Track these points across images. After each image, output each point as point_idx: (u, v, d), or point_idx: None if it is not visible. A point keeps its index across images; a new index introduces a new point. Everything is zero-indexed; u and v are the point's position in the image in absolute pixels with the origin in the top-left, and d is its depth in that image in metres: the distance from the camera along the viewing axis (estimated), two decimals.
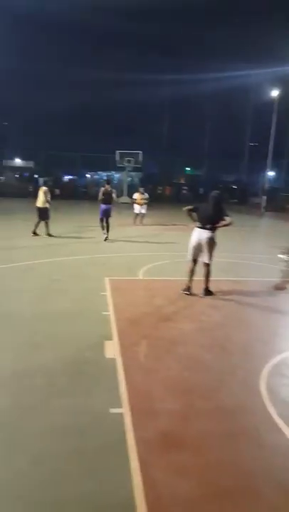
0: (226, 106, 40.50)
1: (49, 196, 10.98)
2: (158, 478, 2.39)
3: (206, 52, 37.51)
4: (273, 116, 29.75)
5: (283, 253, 7.99)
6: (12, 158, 39.86)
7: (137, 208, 14.90)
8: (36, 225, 10.91)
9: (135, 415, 2.97)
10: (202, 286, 6.10)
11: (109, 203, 10.95)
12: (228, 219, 5.89)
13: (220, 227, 5.92)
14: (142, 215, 14.87)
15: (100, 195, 11.05)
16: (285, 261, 8.11)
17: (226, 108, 40.32)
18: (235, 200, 33.85)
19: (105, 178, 38.92)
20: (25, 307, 5.28)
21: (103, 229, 10.99)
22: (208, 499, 2.27)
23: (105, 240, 10.78)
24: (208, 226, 5.87)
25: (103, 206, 10.96)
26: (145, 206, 14.91)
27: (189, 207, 6.16)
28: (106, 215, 10.94)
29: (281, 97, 29.70)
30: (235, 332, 4.80)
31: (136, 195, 15.06)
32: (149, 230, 13.92)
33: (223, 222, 5.89)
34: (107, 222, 10.95)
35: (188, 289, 6.08)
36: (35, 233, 10.89)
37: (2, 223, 14.51)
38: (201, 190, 38.51)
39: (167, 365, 3.82)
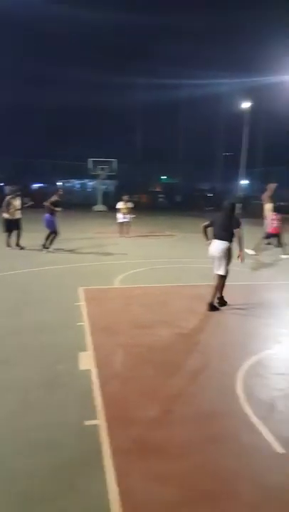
0: (201, 115, 41.37)
1: (19, 206, 10.61)
2: (135, 487, 2.33)
3: (183, 62, 38.19)
4: (244, 127, 30.61)
5: (252, 249, 9.36)
6: None
7: (120, 217, 14.35)
8: (18, 237, 10.57)
9: (111, 426, 2.90)
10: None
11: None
12: (238, 232, 5.60)
13: (238, 244, 5.66)
14: (127, 224, 14.32)
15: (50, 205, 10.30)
16: (253, 255, 9.49)
17: (201, 117, 41.18)
18: (211, 208, 34.39)
19: (78, 186, 38.56)
20: None
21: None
22: (187, 504, 2.24)
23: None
24: (221, 236, 5.62)
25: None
26: (128, 215, 14.35)
27: (206, 223, 5.86)
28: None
29: (252, 108, 30.61)
30: (212, 336, 4.81)
31: (120, 204, 14.39)
32: (126, 238, 13.90)
33: (237, 239, 5.63)
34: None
35: (218, 300, 5.83)
36: (19, 245, 10.56)
37: None
38: (178, 198, 39.02)
39: (144, 372, 3.77)
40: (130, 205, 14.55)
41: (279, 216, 10.28)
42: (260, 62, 32.57)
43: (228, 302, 5.90)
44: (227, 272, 5.67)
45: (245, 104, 30.75)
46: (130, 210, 14.46)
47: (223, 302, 5.88)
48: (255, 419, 3.03)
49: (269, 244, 10.75)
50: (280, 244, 10.33)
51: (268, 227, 10.21)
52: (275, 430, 2.89)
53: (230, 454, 2.67)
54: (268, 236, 10.29)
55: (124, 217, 14.25)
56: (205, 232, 5.85)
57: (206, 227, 5.85)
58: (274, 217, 10.21)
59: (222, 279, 5.69)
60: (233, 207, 5.84)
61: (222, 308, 5.81)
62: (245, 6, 35.80)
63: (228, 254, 5.59)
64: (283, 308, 6.07)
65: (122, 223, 14.32)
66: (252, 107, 30.58)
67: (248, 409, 3.15)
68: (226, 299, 5.88)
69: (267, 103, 33.70)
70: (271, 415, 3.11)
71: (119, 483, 2.34)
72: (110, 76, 37.58)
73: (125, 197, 14.64)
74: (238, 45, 36.75)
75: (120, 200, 14.64)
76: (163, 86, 38.29)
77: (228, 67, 35.99)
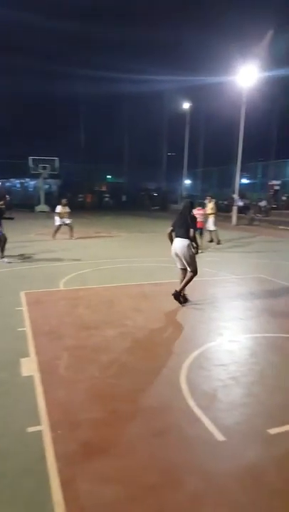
0: (146, 116, 41.73)
1: None
2: (81, 491, 2.31)
3: (127, 63, 38.05)
4: (186, 128, 31.50)
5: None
6: None
7: (58, 220, 13.76)
8: None
9: (55, 429, 2.85)
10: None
11: None
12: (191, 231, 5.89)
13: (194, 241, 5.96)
14: (70, 226, 13.74)
15: None
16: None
17: (145, 118, 41.52)
18: (157, 207, 34.98)
19: (19, 185, 36.74)
20: None
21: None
22: (133, 500, 2.26)
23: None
24: (179, 233, 5.90)
25: None
26: (67, 219, 13.76)
27: (169, 229, 6.10)
28: None
29: (195, 109, 31.56)
30: (157, 334, 4.89)
31: (59, 209, 13.63)
32: (68, 239, 13.65)
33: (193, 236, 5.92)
34: None
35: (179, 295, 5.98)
36: None
37: None
38: (124, 198, 39.09)
39: (90, 374, 3.74)
40: (68, 209, 13.83)
41: (202, 211, 10.92)
42: (202, 63, 33.49)
43: (172, 298, 6.03)
44: (196, 268, 5.90)
45: (186, 105, 31.65)
46: (68, 214, 13.88)
47: (185, 299, 6.10)
48: (197, 410, 3.14)
49: (211, 241, 11.24)
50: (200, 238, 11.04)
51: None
52: (216, 419, 3.02)
53: (173, 446, 2.74)
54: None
55: (64, 220, 13.70)
56: (170, 238, 6.09)
57: (170, 233, 6.10)
58: (198, 212, 10.92)
59: (191, 274, 5.91)
60: (190, 205, 6.15)
61: (153, 304, 5.94)
62: (188, 7, 36.67)
63: (190, 251, 5.86)
64: (224, 301, 6.34)
65: (59, 225, 13.71)
66: (194, 107, 31.58)
67: (191, 402, 3.26)
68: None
69: (209, 104, 34.89)
70: (212, 405, 3.24)
71: (64, 488, 2.31)
72: (52, 70, 36.29)
73: (64, 200, 14.04)
74: (181, 45, 37.47)
75: (59, 203, 13.96)
76: (107, 83, 37.96)
77: (172, 69, 36.63)
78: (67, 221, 13.75)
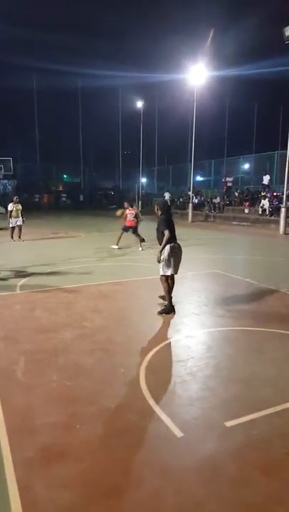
0: (101, 114, 41.31)
1: None
2: (39, 497, 2.28)
3: (82, 59, 37.45)
4: (140, 126, 31.65)
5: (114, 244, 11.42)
6: None
7: (12, 221, 13.40)
8: None
9: (12, 437, 2.79)
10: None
11: None
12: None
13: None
14: (20, 228, 13.43)
15: None
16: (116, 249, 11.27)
17: (100, 116, 41.09)
18: (114, 206, 34.83)
19: None
20: None
21: None
22: (93, 502, 2.27)
23: None
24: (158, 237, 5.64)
25: None
26: (20, 218, 13.42)
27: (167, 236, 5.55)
28: None
29: (147, 108, 31.79)
30: (116, 333, 4.91)
31: (10, 206, 13.41)
32: (27, 240, 13.29)
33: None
34: None
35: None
36: None
37: None
38: (81, 198, 38.56)
39: (48, 377, 3.69)
40: (19, 206, 13.51)
41: (133, 211, 11.51)
42: (155, 60, 33.79)
43: (131, 297, 6.07)
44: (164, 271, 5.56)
45: (139, 103, 31.80)
46: (20, 212, 13.50)
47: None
48: (156, 408, 3.19)
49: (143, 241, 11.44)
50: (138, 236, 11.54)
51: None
52: (175, 416, 3.09)
53: (133, 445, 2.77)
54: (126, 229, 11.53)
55: (17, 221, 13.35)
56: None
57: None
58: (130, 211, 11.43)
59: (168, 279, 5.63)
60: (166, 209, 5.74)
61: (112, 304, 5.96)
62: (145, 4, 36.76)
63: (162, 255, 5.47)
64: (181, 297, 6.47)
65: (13, 227, 13.39)
66: (148, 105, 31.81)
67: (150, 400, 3.31)
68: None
69: (162, 102, 35.31)
70: (171, 402, 3.32)
71: (22, 496, 2.27)
72: (4, 62, 34.97)
73: (15, 198, 13.81)
74: (134, 42, 37.55)
75: (11, 201, 13.67)
76: (62, 79, 37.15)
77: (126, 67, 36.61)
78: (19, 222, 13.39)
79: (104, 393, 3.46)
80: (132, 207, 11.78)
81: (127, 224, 11.49)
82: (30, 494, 2.30)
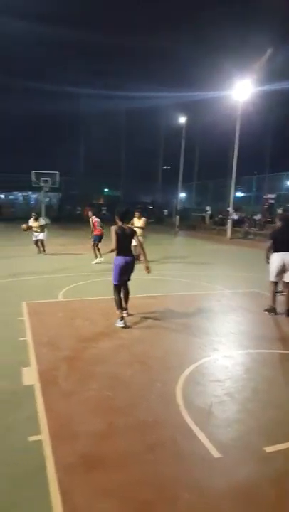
0: (142, 130, 42.40)
1: None
2: (79, 503, 2.36)
3: (123, 75, 39.02)
4: (182, 142, 31.97)
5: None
6: None
7: (34, 235, 12.99)
8: None
9: (55, 441, 2.91)
10: (285, 307, 6.49)
11: None
12: None
13: None
14: (41, 242, 12.88)
15: None
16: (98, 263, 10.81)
17: (140, 131, 42.18)
18: (152, 220, 35.19)
19: (21, 198, 37.72)
20: None
21: None
22: None
23: None
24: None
25: None
26: (42, 233, 12.84)
27: (269, 245, 6.51)
28: None
29: (188, 123, 32.13)
30: (153, 347, 4.96)
31: (30, 222, 12.85)
32: (67, 250, 13.73)
33: None
34: None
35: (273, 309, 6.48)
36: None
37: None
38: None
39: (87, 386, 3.80)
40: (42, 222, 13.11)
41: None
42: (198, 78, 34.25)
43: (169, 312, 6.12)
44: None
45: (182, 119, 32.21)
46: (42, 228, 13.02)
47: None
48: (193, 426, 3.19)
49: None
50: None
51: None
52: (212, 436, 3.08)
53: (169, 462, 2.79)
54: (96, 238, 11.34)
55: (38, 235, 12.90)
56: (268, 252, 6.60)
57: (269, 248, 6.57)
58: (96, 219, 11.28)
59: None
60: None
61: (161, 319, 6.02)
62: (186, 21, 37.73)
63: None
64: (219, 315, 6.43)
65: (36, 241, 12.98)
66: (190, 121, 32.10)
67: (186, 417, 3.32)
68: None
69: (204, 117, 35.47)
70: (208, 421, 3.30)
71: (64, 500, 2.36)
72: (52, 87, 37.47)
73: (34, 214, 13.20)
74: (177, 60, 38.38)
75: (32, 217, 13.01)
76: (106, 99, 38.90)
77: (168, 82, 37.47)
78: (40, 236, 12.87)
79: (140, 406, 3.51)
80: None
81: (97, 233, 11.26)
82: (71, 499, 2.38)
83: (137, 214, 11.15)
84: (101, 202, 40.99)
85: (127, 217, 5.91)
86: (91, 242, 11.38)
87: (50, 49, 38.88)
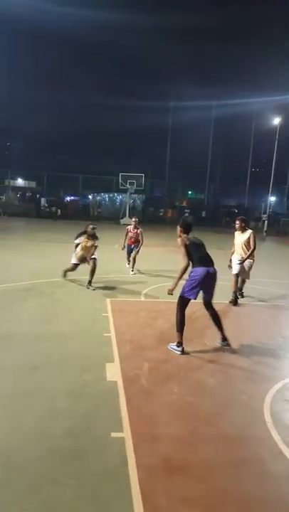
0: (229, 131, 41.66)
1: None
2: (160, 505, 2.33)
3: (211, 77, 39.11)
4: (275, 143, 30.45)
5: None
6: (14, 178, 40.89)
7: (73, 258, 7.98)
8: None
9: (136, 440, 2.91)
10: None
11: None
12: None
13: None
14: (93, 263, 8.27)
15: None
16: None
17: (228, 133, 41.45)
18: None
19: (108, 199, 40.13)
20: (25, 328, 5.24)
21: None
22: None
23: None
24: None
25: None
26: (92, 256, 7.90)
27: None
28: None
29: (282, 125, 30.51)
30: (238, 356, 4.74)
31: (81, 239, 7.84)
32: (152, 250, 13.95)
33: None
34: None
35: None
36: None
37: (6, 243, 14.60)
38: (203, 214, 38.94)
39: (169, 389, 3.76)
40: (96, 242, 8.41)
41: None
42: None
43: (255, 320, 5.80)
44: None
45: (276, 120, 30.71)
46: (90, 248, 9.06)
47: None
48: (282, 445, 2.96)
49: None
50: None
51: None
52: None
53: (254, 480, 2.62)
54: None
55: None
56: None
57: None
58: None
59: None
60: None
61: (248, 329, 5.72)
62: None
63: None
64: None
65: (75, 265, 8.00)
66: (285, 122, 30.53)
67: (275, 435, 3.09)
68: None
69: None
70: None
71: (145, 500, 2.34)
72: (142, 96, 39.80)
73: (90, 227, 7.92)
74: (269, 62, 37.11)
75: (83, 233, 7.94)
76: (193, 104, 39.33)
77: (258, 84, 36.36)
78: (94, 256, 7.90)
79: (224, 417, 3.36)
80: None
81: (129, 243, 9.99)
82: (152, 500, 2.36)
83: (238, 223, 7.61)
84: (184, 204, 41.01)
85: (191, 230, 5.10)
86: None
87: (139, 64, 41.11)
